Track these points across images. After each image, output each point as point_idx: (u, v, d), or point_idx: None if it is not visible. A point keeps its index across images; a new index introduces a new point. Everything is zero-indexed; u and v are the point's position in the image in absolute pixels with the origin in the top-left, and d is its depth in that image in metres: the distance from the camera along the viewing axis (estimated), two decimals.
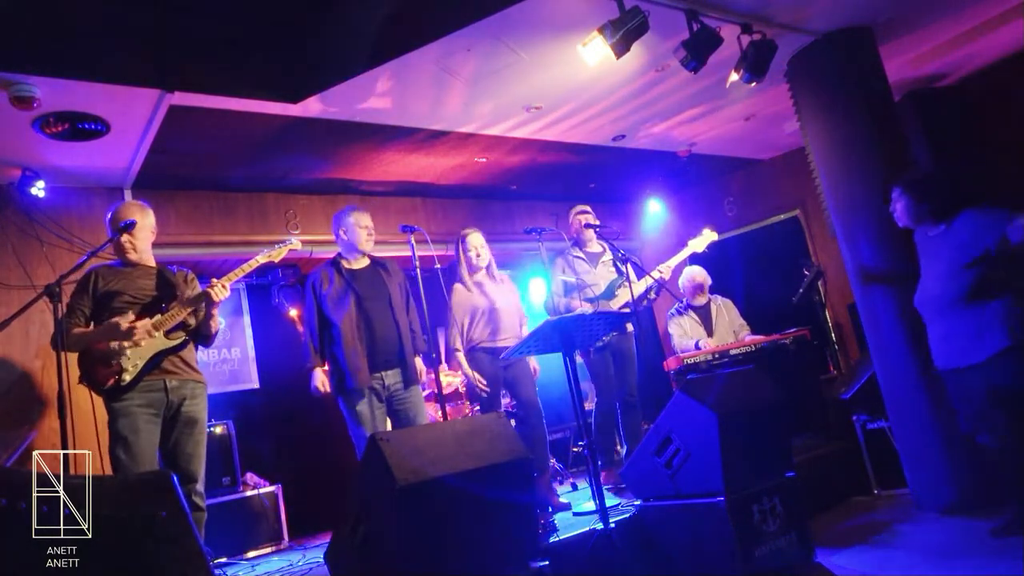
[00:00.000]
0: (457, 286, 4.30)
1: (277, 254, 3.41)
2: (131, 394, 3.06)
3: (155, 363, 3.11)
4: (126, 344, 3.06)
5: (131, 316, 3.09)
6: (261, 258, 3.36)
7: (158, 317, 3.15)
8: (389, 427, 3.87)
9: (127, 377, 3.04)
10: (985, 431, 3.30)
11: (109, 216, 3.34)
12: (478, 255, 4.26)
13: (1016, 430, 3.16)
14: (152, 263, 3.39)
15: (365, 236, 3.80)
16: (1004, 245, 3.15)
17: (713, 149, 6.17)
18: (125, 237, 3.26)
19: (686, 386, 3.13)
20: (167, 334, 3.16)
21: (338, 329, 3.66)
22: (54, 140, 3.87)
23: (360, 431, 3.60)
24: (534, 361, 4.39)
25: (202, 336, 3.35)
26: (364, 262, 3.88)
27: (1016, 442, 3.17)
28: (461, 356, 4.19)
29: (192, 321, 3.27)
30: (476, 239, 4.30)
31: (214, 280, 3.19)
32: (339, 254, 3.91)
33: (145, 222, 3.35)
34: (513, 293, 4.32)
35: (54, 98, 3.52)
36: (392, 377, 3.69)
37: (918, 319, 3.55)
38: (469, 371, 4.13)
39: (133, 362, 3.06)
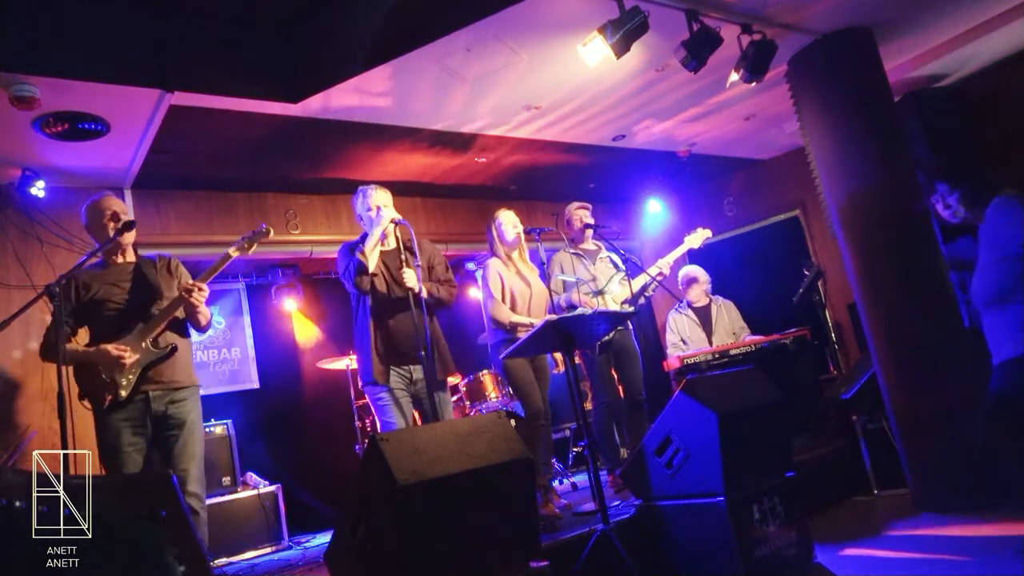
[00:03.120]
0: (493, 260, 4.18)
1: (249, 245, 3.26)
2: (118, 408, 3.02)
3: (146, 374, 3.07)
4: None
5: (125, 351, 3.02)
6: (233, 251, 3.25)
7: (140, 327, 3.09)
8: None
9: (123, 393, 3.00)
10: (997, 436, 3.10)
11: (91, 211, 3.22)
12: (514, 227, 4.15)
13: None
14: (132, 258, 3.30)
15: (373, 214, 3.55)
16: None
17: (713, 149, 6.17)
18: (126, 236, 3.21)
19: (686, 386, 3.12)
20: (154, 342, 3.11)
21: (365, 313, 3.53)
22: (54, 140, 3.87)
23: (385, 423, 3.46)
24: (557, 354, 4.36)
25: (194, 326, 3.28)
26: (391, 243, 3.63)
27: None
28: (513, 314, 4.07)
29: (181, 315, 3.22)
30: (507, 215, 4.19)
31: (190, 282, 3.12)
32: (364, 234, 3.64)
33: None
34: (540, 279, 4.21)
35: (54, 98, 3.52)
36: (419, 372, 3.48)
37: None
38: (528, 319, 4.01)
39: (127, 376, 3.02)
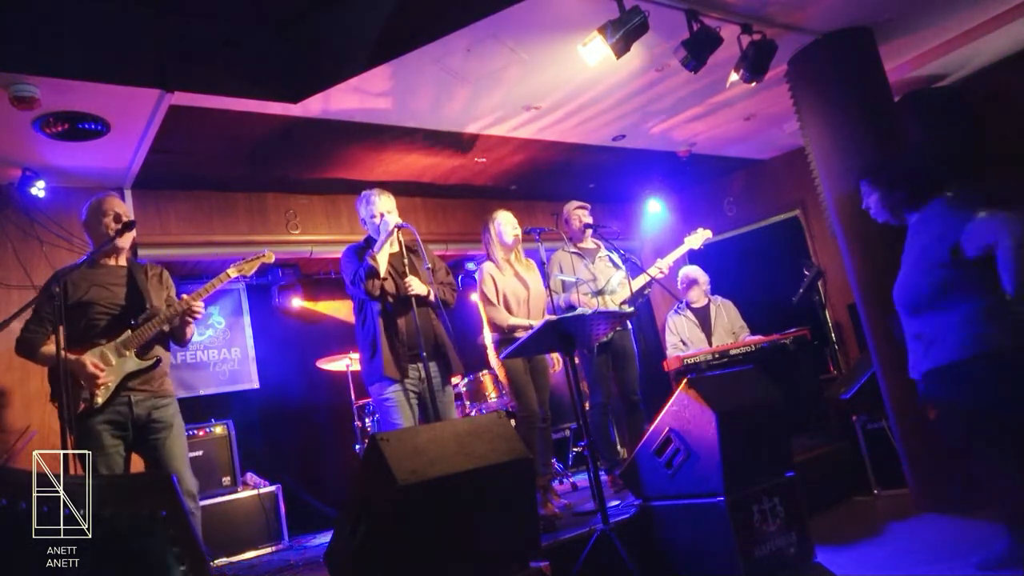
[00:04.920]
0: (488, 264, 4.19)
1: (249, 267, 3.28)
2: (96, 412, 2.96)
3: (127, 383, 3.01)
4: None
5: (102, 371, 2.96)
6: (232, 271, 3.24)
7: (127, 334, 3.04)
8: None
9: (99, 400, 2.94)
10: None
11: (93, 209, 3.18)
12: (513, 228, 4.17)
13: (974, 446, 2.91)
14: (123, 262, 3.25)
15: (378, 220, 3.59)
16: (958, 253, 2.76)
17: (713, 149, 6.17)
18: (125, 237, 3.18)
19: (686, 386, 3.12)
20: (140, 352, 3.06)
21: (374, 314, 3.55)
22: (54, 140, 3.87)
23: (391, 425, 3.47)
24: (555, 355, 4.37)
25: (175, 341, 3.26)
26: (394, 247, 3.62)
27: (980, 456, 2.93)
28: (511, 317, 4.08)
29: (166, 328, 3.16)
30: (506, 216, 4.21)
31: (185, 298, 3.08)
32: (368, 237, 3.73)
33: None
34: (539, 280, 4.21)
35: (54, 98, 3.52)
36: (430, 370, 3.48)
37: None
38: (526, 321, 4.03)
39: (105, 384, 2.96)
